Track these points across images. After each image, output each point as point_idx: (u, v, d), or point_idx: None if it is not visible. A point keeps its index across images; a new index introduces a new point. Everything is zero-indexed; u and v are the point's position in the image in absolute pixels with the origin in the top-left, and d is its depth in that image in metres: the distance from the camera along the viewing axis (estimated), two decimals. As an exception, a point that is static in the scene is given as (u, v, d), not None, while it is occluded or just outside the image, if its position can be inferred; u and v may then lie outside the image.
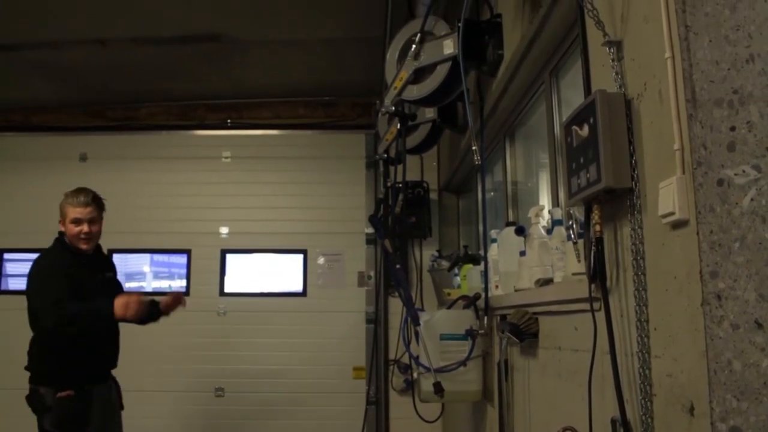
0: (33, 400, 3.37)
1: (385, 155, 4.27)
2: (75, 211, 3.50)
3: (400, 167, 3.87)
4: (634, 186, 1.63)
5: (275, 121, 6.11)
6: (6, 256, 6.03)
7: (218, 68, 5.46)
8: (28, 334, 5.66)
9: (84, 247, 3.54)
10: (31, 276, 3.50)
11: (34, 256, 5.93)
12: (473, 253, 4.21)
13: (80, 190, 3.60)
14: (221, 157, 6.02)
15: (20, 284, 5.96)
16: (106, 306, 3.26)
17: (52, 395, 3.29)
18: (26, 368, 3.50)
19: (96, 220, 3.61)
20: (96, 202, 3.63)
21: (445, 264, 4.70)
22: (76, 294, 3.34)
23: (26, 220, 5.96)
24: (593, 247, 1.77)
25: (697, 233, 1.34)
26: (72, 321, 3.24)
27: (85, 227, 3.52)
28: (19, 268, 6.12)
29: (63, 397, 3.27)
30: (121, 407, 3.74)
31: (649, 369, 1.58)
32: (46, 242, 5.86)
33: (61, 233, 3.61)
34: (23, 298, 5.77)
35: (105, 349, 3.61)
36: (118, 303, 3.24)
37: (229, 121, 6.12)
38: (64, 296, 3.26)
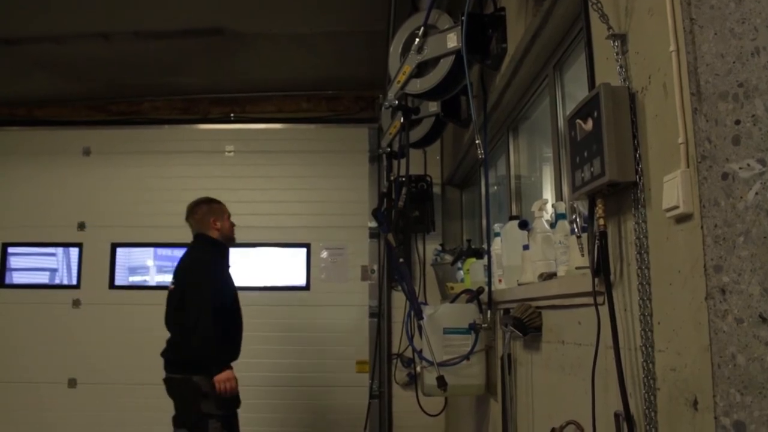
0: (183, 387, 3.71)
1: (389, 149, 4.25)
2: (228, 211, 4.14)
3: (403, 161, 3.87)
4: (638, 180, 1.62)
5: (278, 115, 6.10)
6: (10, 250, 6.05)
7: (221, 62, 5.45)
8: (29, 326, 5.74)
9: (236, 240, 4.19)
10: (199, 278, 3.87)
11: (39, 249, 6.02)
12: (476, 247, 4.21)
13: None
14: (224, 151, 6.02)
15: (24, 278, 6.01)
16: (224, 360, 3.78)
17: (207, 382, 3.63)
18: (165, 356, 3.87)
19: None
20: None
21: (449, 258, 4.70)
22: (229, 295, 3.97)
23: (30, 214, 5.98)
24: (597, 241, 1.77)
25: (702, 227, 1.33)
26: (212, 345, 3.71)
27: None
28: (24, 262, 6.15)
29: (222, 379, 3.65)
30: None
31: (653, 363, 1.58)
32: (50, 236, 5.94)
33: (203, 235, 4.06)
34: (27, 292, 5.87)
35: (239, 339, 4.04)
36: (224, 375, 3.72)
37: (232, 115, 6.12)
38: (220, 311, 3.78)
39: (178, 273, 4.07)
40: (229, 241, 4.16)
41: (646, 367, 1.60)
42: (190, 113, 6.16)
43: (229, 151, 6.01)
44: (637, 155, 1.63)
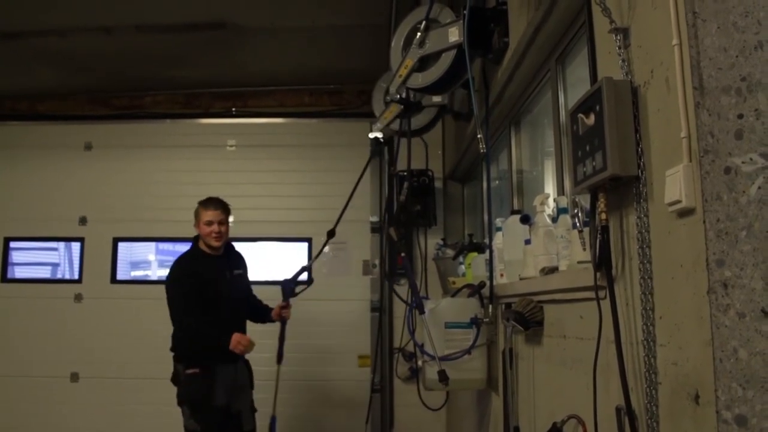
0: (173, 376, 3.95)
1: (381, 135, 4.20)
2: (207, 214, 4.06)
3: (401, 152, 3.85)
4: (640, 174, 1.62)
5: (280, 109, 6.10)
6: (12, 244, 6.05)
7: (223, 56, 5.45)
8: (32, 320, 5.75)
9: (216, 244, 4.09)
10: (169, 279, 4.08)
11: (40, 244, 6.04)
12: (478, 242, 4.20)
13: (210, 198, 4.18)
14: (226, 146, 6.02)
15: (26, 273, 6.03)
16: (223, 339, 3.90)
17: (182, 372, 3.86)
18: (171, 349, 4.04)
19: (224, 221, 4.14)
20: (223, 206, 4.18)
21: (450, 252, 4.70)
22: (205, 293, 3.97)
23: (32, 208, 5.99)
24: (599, 236, 1.77)
25: (704, 221, 1.33)
26: (193, 337, 3.95)
27: (215, 227, 4.06)
28: (25, 257, 6.16)
29: (190, 374, 3.83)
30: (251, 386, 4.25)
31: (655, 357, 1.58)
32: (52, 231, 5.95)
33: (196, 237, 4.17)
34: (29, 287, 5.88)
35: (231, 329, 4.00)
36: (234, 339, 3.91)
37: (233, 109, 6.12)
38: (193, 304, 3.92)
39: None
40: (208, 247, 4.13)
41: (648, 362, 1.60)
42: (191, 107, 6.16)
43: (231, 146, 6.01)
44: (639, 149, 1.62)
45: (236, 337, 3.94)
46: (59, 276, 6.17)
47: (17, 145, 6.12)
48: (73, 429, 5.62)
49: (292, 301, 4.37)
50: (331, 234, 4.57)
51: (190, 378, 3.86)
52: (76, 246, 6.01)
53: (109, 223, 5.95)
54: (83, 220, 5.96)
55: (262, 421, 4.42)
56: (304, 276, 4.46)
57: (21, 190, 6.04)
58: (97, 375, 5.70)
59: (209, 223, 4.07)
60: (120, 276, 5.95)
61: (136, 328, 5.34)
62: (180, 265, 4.13)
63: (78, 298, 5.87)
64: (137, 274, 6.16)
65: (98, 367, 5.69)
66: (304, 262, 5.70)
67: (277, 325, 4.44)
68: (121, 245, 5.99)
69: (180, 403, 3.91)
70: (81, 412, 5.64)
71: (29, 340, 5.80)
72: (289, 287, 4.31)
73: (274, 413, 4.30)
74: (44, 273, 6.21)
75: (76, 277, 5.96)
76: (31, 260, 6.22)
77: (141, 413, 5.26)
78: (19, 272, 6.11)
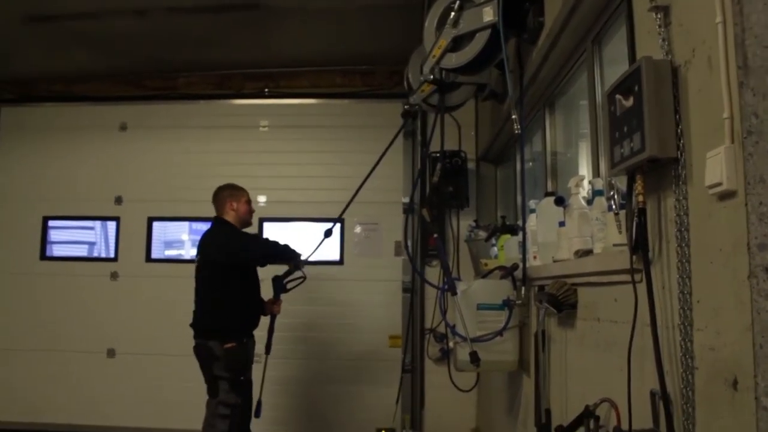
0: (202, 351, 4.06)
1: (416, 106, 4.14)
2: (245, 194, 4.41)
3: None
4: (679, 156, 1.59)
5: (312, 90, 6.10)
6: (50, 223, 6.17)
7: (256, 37, 5.45)
8: (70, 297, 5.88)
9: (252, 223, 4.51)
10: (223, 239, 4.27)
11: (77, 223, 6.15)
12: (511, 224, 4.18)
13: (234, 184, 4.49)
14: (259, 126, 6.05)
15: (64, 251, 6.15)
16: (292, 249, 4.33)
17: (219, 347, 3.98)
18: (191, 325, 4.18)
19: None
20: None
21: (483, 234, 4.68)
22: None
23: (69, 188, 6.09)
24: (636, 218, 1.75)
25: (746, 204, 1.30)
26: (272, 251, 4.30)
27: (252, 206, 4.47)
28: (63, 235, 6.27)
29: (228, 349, 3.98)
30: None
31: (691, 342, 1.56)
32: (88, 210, 6.04)
33: (222, 219, 4.35)
34: (66, 264, 6.00)
35: (256, 312, 4.35)
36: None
37: (266, 90, 6.13)
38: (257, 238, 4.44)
39: (201, 248, 4.30)
40: (243, 223, 4.39)
41: (684, 346, 1.58)
42: (224, 88, 6.19)
43: (264, 126, 6.04)
44: (679, 130, 1.59)
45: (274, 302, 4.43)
46: (96, 254, 6.29)
47: (54, 126, 6.22)
48: (109, 403, 5.74)
49: (283, 296, 4.49)
50: (328, 233, 4.65)
51: (229, 352, 4.00)
52: (111, 225, 6.11)
53: (144, 203, 6.03)
54: (119, 200, 6.05)
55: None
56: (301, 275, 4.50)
57: (58, 170, 6.14)
58: (133, 351, 5.81)
59: (249, 202, 4.42)
60: (154, 255, 6.03)
61: (170, 305, 5.43)
62: (234, 229, 4.32)
63: (114, 276, 5.97)
64: (171, 253, 6.24)
65: (134, 344, 5.80)
66: (336, 241, 5.74)
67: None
68: (156, 224, 6.07)
69: (214, 379, 4.02)
70: (117, 386, 5.76)
71: (67, 317, 5.93)
72: (279, 284, 4.39)
73: (260, 397, 4.40)
74: (81, 251, 6.32)
75: (112, 255, 6.06)
76: (68, 239, 6.33)
77: (175, 388, 5.36)
78: (57, 250, 6.23)
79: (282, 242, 4.36)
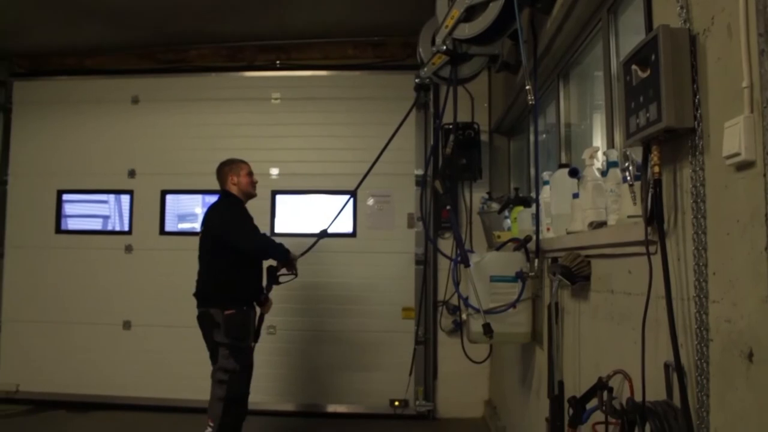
0: (204, 319, 4.14)
1: (427, 79, 4.10)
2: (245, 167, 4.42)
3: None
4: (696, 126, 1.57)
5: (324, 61, 6.06)
6: (65, 197, 6.21)
7: (267, 8, 5.40)
8: (86, 270, 5.93)
9: (256, 193, 4.50)
10: (228, 216, 4.26)
11: (91, 197, 6.18)
12: (524, 196, 4.16)
13: (233, 158, 4.51)
14: (271, 99, 6.02)
15: (79, 224, 6.19)
16: (285, 249, 4.35)
17: (221, 314, 4.05)
18: (194, 294, 4.26)
19: None
20: None
21: (496, 206, 4.67)
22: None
23: (83, 161, 6.11)
24: (651, 189, 1.73)
25: (764, 174, 1.28)
26: (264, 247, 4.28)
27: (254, 177, 4.47)
28: (77, 209, 6.31)
29: (228, 315, 4.05)
30: None
31: (707, 314, 1.55)
32: (102, 183, 6.08)
33: (227, 192, 4.38)
34: (81, 238, 6.05)
35: (257, 282, 4.34)
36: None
37: (278, 62, 6.09)
38: (257, 229, 4.30)
39: (206, 220, 4.34)
40: (247, 195, 4.41)
41: (699, 318, 1.58)
42: (236, 60, 6.16)
43: (276, 99, 6.01)
44: (696, 100, 1.57)
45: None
46: (110, 228, 6.33)
47: (66, 100, 6.22)
48: (126, 374, 5.82)
49: (283, 286, 4.54)
50: (323, 234, 4.77)
51: (229, 318, 4.06)
52: (125, 198, 6.14)
53: (157, 176, 6.05)
54: (132, 173, 6.07)
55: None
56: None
57: (71, 144, 6.16)
58: (148, 323, 5.87)
59: (251, 174, 4.43)
60: (168, 228, 6.06)
61: (183, 278, 5.46)
62: (239, 207, 4.32)
63: (128, 249, 6.01)
64: (184, 226, 6.26)
65: (149, 316, 5.86)
66: (349, 213, 5.75)
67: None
68: (169, 198, 6.09)
69: (215, 346, 4.11)
70: (134, 358, 5.83)
71: (84, 289, 5.99)
72: (273, 275, 4.43)
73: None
74: (95, 225, 6.36)
75: (126, 228, 6.10)
76: (82, 212, 6.37)
77: (190, 360, 5.41)
78: (72, 224, 6.27)
79: (277, 242, 4.40)
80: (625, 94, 1.82)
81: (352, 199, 5.40)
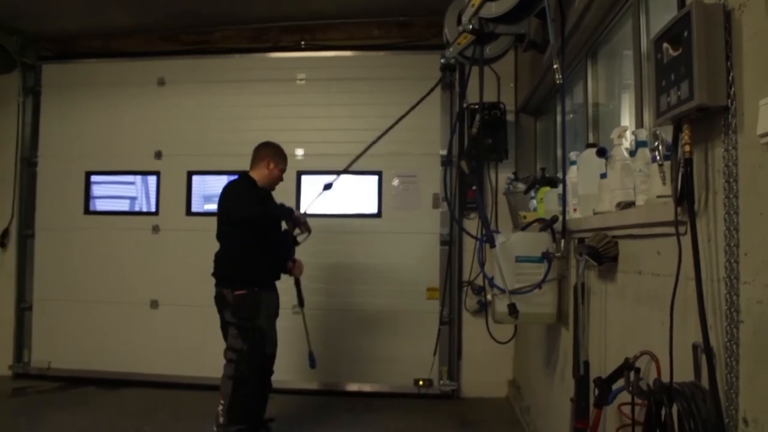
0: (218, 298, 4.25)
1: (453, 59, 4.07)
2: (283, 165, 4.45)
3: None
4: (729, 104, 1.54)
5: (349, 42, 6.03)
6: (93, 178, 6.28)
7: (291, -12, 5.39)
8: (114, 250, 6.02)
9: (274, 189, 4.50)
10: (234, 193, 4.27)
11: (118, 178, 6.25)
12: (550, 176, 4.13)
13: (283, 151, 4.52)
14: (296, 80, 6.02)
15: (106, 205, 6.27)
16: (287, 207, 4.39)
17: (231, 294, 4.13)
18: (213, 274, 4.34)
19: None
20: None
21: (522, 187, 4.64)
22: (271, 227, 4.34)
23: (110, 143, 6.18)
24: (681, 169, 1.71)
25: (800, 154, 1.26)
26: (264, 215, 4.15)
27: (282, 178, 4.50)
28: (104, 190, 6.39)
29: (238, 296, 4.12)
30: (277, 314, 4.41)
31: (737, 295, 1.54)
32: (129, 165, 6.15)
33: (248, 175, 4.38)
34: (109, 218, 6.13)
35: (271, 264, 4.36)
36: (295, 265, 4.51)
37: (302, 43, 6.08)
38: (262, 202, 4.26)
39: (220, 200, 4.35)
40: (269, 185, 4.41)
41: (730, 299, 1.56)
42: (260, 41, 6.15)
43: (301, 80, 6.01)
44: (730, 78, 1.54)
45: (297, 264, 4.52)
46: (137, 209, 6.40)
47: (93, 82, 6.27)
48: (153, 352, 5.92)
49: (311, 255, 4.67)
50: (327, 187, 4.80)
51: (239, 298, 4.12)
52: (152, 179, 6.19)
53: (183, 157, 6.09)
54: (158, 155, 6.12)
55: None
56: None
57: (99, 126, 6.22)
58: (175, 302, 5.95)
59: (283, 172, 4.47)
60: (194, 209, 6.11)
61: (209, 258, 5.52)
62: (244, 187, 4.30)
63: (155, 229, 6.08)
64: (210, 207, 6.31)
65: (176, 295, 5.93)
66: (374, 194, 5.76)
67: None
68: (195, 179, 6.13)
69: (225, 325, 4.20)
70: (161, 336, 5.92)
71: (112, 269, 6.08)
72: (288, 238, 4.46)
73: (310, 349, 4.62)
74: (123, 206, 6.44)
75: (153, 209, 6.16)
76: (110, 194, 6.44)
77: (216, 339, 5.45)
78: (100, 205, 6.35)
79: (277, 203, 4.41)
80: (656, 72, 1.79)
81: (377, 180, 5.40)
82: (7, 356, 6.19)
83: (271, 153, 4.39)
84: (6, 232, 6.30)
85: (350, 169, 5.31)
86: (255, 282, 4.18)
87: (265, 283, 4.27)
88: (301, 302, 4.54)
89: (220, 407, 4.04)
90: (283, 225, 4.44)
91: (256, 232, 4.18)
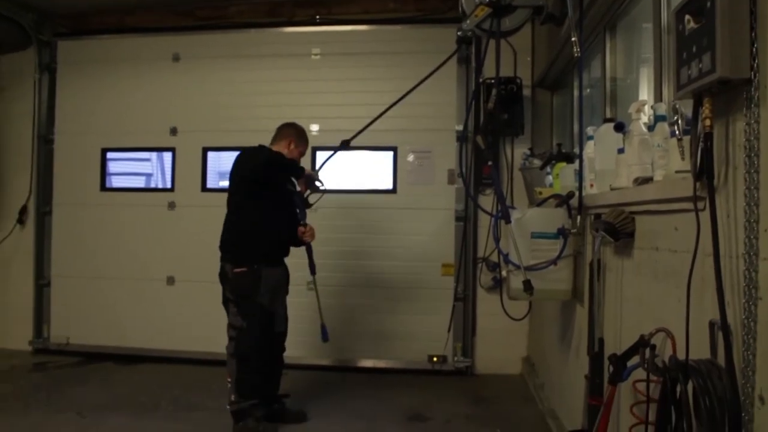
0: (221, 273, 4.21)
1: (470, 32, 4.01)
2: (304, 148, 4.43)
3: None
4: (752, 77, 1.50)
5: (364, 16, 5.97)
6: (109, 155, 6.30)
7: (306, -38, 5.34)
8: (130, 226, 6.05)
9: None
10: (246, 154, 4.24)
11: (134, 155, 6.27)
12: (567, 151, 4.08)
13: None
14: (311, 54, 5.98)
15: (123, 182, 6.30)
16: (298, 165, 4.30)
17: (230, 270, 4.11)
18: (219, 247, 4.30)
19: None
20: None
21: (538, 162, 4.60)
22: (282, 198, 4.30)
23: (125, 120, 6.18)
24: (701, 143, 1.67)
25: (824, 128, 1.23)
26: (273, 161, 4.11)
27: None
28: (120, 167, 6.41)
29: (237, 273, 4.09)
30: (286, 291, 4.41)
31: (756, 272, 1.51)
32: (145, 141, 6.15)
33: (265, 146, 4.31)
34: (125, 195, 6.15)
35: (275, 240, 4.26)
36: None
37: (317, 17, 6.03)
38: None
39: (231, 169, 4.34)
40: None
41: (748, 276, 1.53)
42: (275, 16, 6.11)
43: (316, 54, 5.96)
44: (754, 49, 1.50)
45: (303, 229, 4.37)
46: (153, 185, 6.41)
47: (108, 58, 6.26)
48: (170, 327, 5.97)
49: (323, 223, 4.61)
50: (345, 143, 4.68)
51: (238, 276, 4.08)
52: (167, 156, 6.20)
53: (198, 133, 6.08)
54: (174, 131, 6.11)
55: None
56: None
57: (115, 102, 6.22)
58: (191, 278, 5.98)
59: (302, 155, 4.42)
60: (210, 185, 6.12)
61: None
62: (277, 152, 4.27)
63: (171, 205, 6.10)
64: (225, 183, 6.30)
65: (192, 271, 5.96)
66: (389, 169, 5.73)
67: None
68: (210, 155, 6.13)
69: (226, 301, 4.18)
70: (177, 312, 5.97)
71: (129, 246, 6.12)
72: (300, 198, 4.37)
73: (322, 322, 4.52)
74: (138, 182, 6.45)
75: (169, 186, 6.18)
76: (126, 170, 6.46)
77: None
78: (116, 182, 6.38)
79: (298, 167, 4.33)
80: (677, 44, 1.75)
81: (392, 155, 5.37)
82: (27, 332, 6.28)
83: (294, 133, 4.36)
84: (24, 209, 6.36)
85: (365, 144, 5.27)
86: (255, 259, 4.12)
87: (268, 259, 4.20)
88: (312, 269, 4.49)
89: (229, 385, 4.07)
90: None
91: (263, 193, 4.14)
